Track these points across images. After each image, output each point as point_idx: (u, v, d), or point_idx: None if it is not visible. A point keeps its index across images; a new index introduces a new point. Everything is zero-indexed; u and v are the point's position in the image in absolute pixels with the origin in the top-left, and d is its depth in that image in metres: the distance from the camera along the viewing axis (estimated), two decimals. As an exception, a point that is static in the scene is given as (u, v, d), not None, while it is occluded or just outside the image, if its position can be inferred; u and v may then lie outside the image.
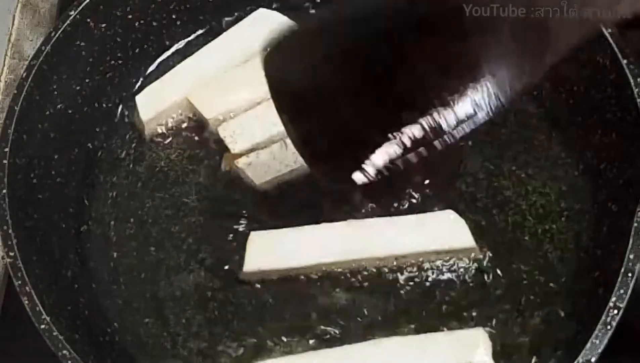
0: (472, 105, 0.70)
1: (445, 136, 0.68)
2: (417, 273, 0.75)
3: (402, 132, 0.67)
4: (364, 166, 0.65)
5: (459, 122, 0.69)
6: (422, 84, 0.69)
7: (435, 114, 0.67)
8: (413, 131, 0.67)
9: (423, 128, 0.67)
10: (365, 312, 0.74)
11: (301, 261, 0.75)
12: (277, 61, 0.68)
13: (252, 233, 0.76)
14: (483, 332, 0.70)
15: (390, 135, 0.67)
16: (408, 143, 0.66)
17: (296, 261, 0.75)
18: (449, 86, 0.69)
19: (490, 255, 0.75)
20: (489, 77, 0.68)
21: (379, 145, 0.67)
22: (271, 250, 0.76)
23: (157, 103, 0.85)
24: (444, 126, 0.68)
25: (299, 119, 0.69)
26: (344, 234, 0.75)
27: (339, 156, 0.68)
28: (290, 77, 0.69)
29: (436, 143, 0.67)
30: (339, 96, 0.68)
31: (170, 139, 0.85)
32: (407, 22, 0.66)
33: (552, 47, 0.64)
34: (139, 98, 0.86)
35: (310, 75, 0.68)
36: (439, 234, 0.75)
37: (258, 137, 0.80)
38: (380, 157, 0.66)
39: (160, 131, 0.85)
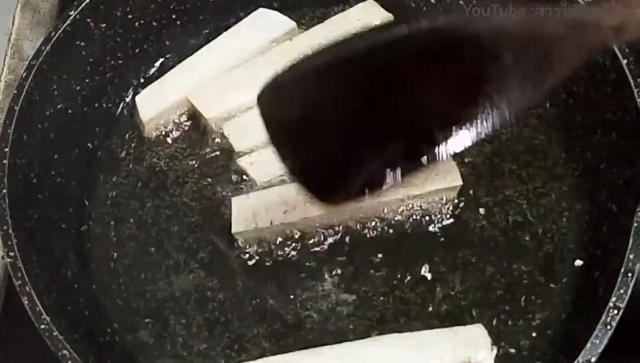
0: (475, 126, 0.70)
1: (446, 155, 0.68)
2: (416, 270, 0.75)
3: (402, 158, 0.68)
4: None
5: (463, 143, 0.69)
6: (423, 110, 0.69)
7: (438, 137, 0.67)
8: (412, 155, 0.68)
9: (423, 150, 0.68)
10: (366, 313, 0.74)
11: (290, 216, 0.75)
12: (272, 95, 0.69)
13: (234, 198, 0.78)
14: (483, 329, 0.70)
15: (391, 160, 0.68)
16: (406, 167, 0.66)
17: (285, 216, 0.75)
18: (451, 110, 0.69)
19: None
20: (491, 99, 0.68)
21: (379, 172, 0.68)
22: (257, 209, 0.76)
23: (157, 103, 0.85)
24: (449, 149, 0.69)
25: (296, 150, 0.68)
26: None
27: (337, 183, 0.67)
28: (285, 111, 0.69)
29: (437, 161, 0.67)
30: (336, 125, 0.67)
31: (170, 139, 0.85)
32: (406, 52, 0.66)
33: (555, 69, 0.64)
34: (139, 98, 0.86)
35: (307, 106, 0.69)
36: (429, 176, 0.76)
37: (263, 135, 0.80)
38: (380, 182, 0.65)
39: (160, 131, 0.85)
